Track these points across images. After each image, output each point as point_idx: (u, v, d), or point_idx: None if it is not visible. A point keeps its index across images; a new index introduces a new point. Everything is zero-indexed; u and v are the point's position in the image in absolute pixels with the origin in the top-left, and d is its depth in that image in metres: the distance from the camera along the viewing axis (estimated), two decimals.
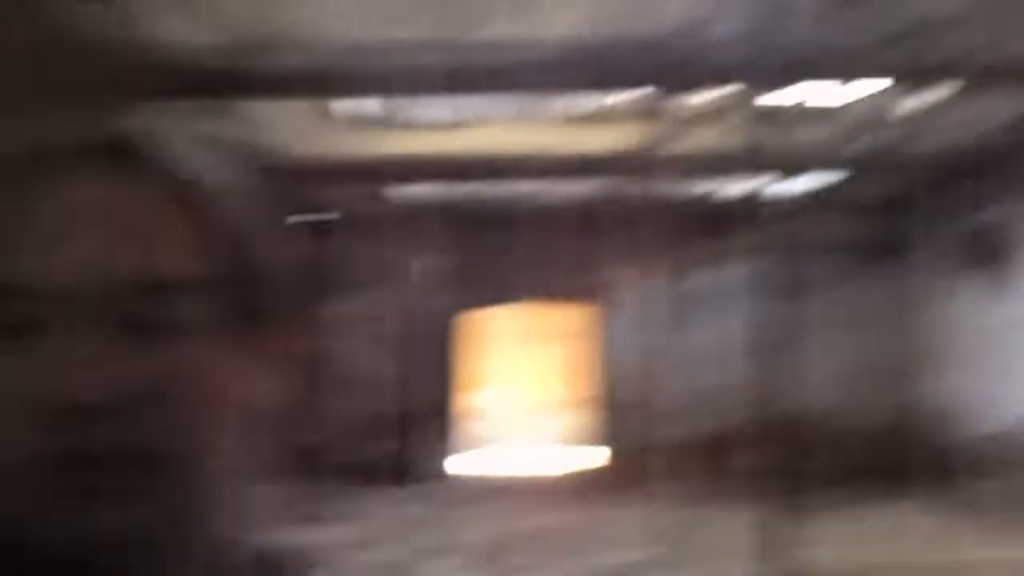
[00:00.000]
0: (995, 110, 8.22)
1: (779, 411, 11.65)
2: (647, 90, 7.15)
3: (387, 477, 11.08)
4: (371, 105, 8.27)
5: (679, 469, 6.81)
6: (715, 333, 12.06)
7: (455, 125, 8.45)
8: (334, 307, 12.40)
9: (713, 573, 5.75)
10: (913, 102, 8.23)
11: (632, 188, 9.65)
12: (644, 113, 7.88)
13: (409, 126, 8.45)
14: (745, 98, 7.94)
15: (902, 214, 11.97)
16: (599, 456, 11.92)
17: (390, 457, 11.83)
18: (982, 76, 7.21)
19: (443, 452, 11.96)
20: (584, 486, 10.82)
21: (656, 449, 9.42)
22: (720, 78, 7.03)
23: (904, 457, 11.46)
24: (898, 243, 12.07)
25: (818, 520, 7.21)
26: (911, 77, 7.65)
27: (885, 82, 7.91)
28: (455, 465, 12.00)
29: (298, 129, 8.57)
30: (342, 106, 8.03)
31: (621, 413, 10.18)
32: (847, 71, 7.21)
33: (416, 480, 11.25)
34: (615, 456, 11.00)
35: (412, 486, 10.75)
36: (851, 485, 10.16)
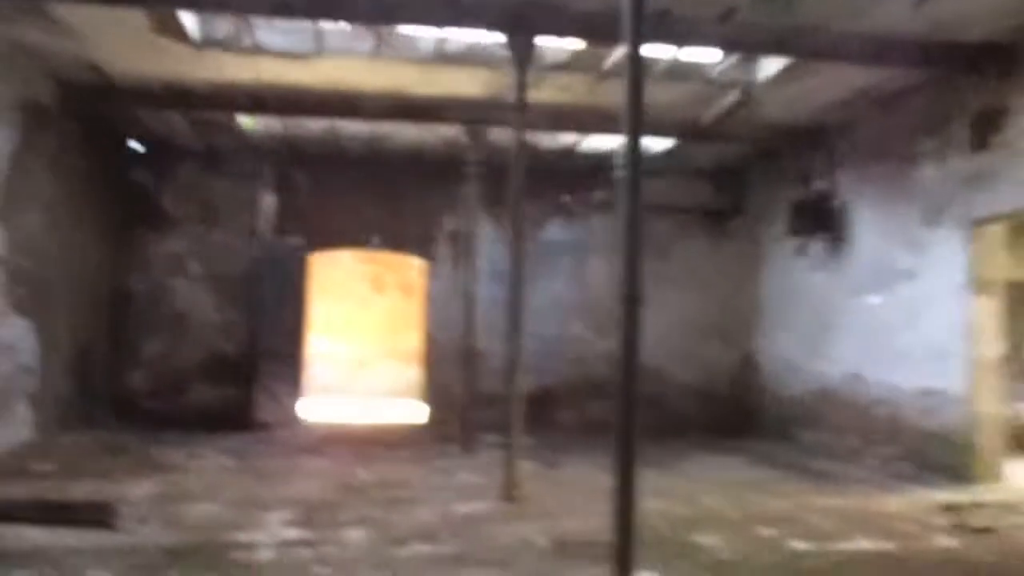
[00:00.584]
0: (834, 83, 8.62)
1: (616, 366, 12.09)
2: (507, 34, 6.96)
3: (220, 424, 10.61)
4: (219, 26, 7.65)
5: (515, 421, 6.78)
6: (556, 286, 12.27)
7: (307, 55, 7.97)
8: (169, 243, 11.64)
9: (554, 526, 5.78)
10: (760, 71, 8.51)
11: (484, 136, 9.49)
12: (503, 60, 7.71)
13: (258, 52, 7.88)
14: (605, 52, 7.96)
15: (743, 179, 12.52)
16: (432, 408, 11.89)
17: (223, 403, 11.32)
18: (824, 50, 7.49)
19: (280, 399, 11.53)
20: (416, 438, 10.74)
21: (491, 401, 9.45)
22: (583, 29, 6.95)
23: (736, 412, 12.13)
24: (739, 207, 12.63)
25: (653, 473, 7.45)
26: (756, 48, 7.88)
27: (733, 51, 8.13)
28: (290, 414, 11.61)
29: (133, 47, 7.82)
30: (187, 25, 7.36)
31: (457, 364, 10.16)
32: (700, 37, 7.30)
33: (250, 428, 10.82)
34: (448, 408, 10.99)
35: (245, 434, 10.32)
36: (685, 438, 10.64)
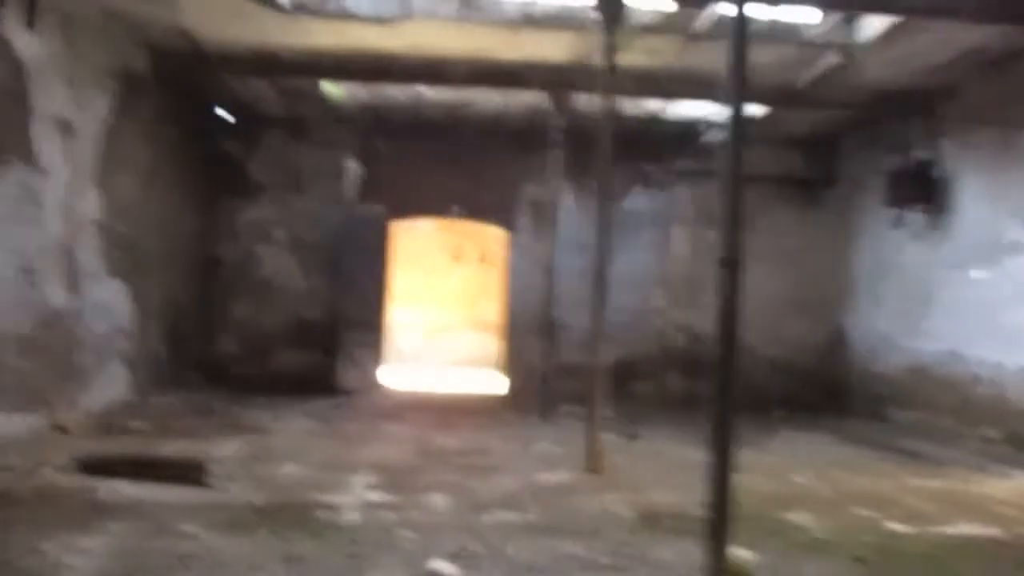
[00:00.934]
0: (941, 44, 8.12)
1: (701, 338, 11.88)
2: None
3: (303, 388, 10.80)
4: None
5: (596, 392, 6.65)
6: (637, 257, 12.01)
7: (393, 20, 7.90)
8: (256, 210, 11.84)
9: (639, 498, 5.66)
10: (861, 32, 8.08)
11: (568, 102, 9.30)
12: (589, 22, 7.51)
13: (344, 17, 7.85)
14: (696, 13, 7.67)
15: (836, 147, 12.00)
16: (511, 378, 11.84)
17: (306, 368, 11.51)
18: (934, 5, 7.06)
19: (361, 366, 11.67)
20: (494, 407, 10.72)
21: (569, 373, 9.33)
22: None
23: (824, 388, 11.74)
24: (830, 176, 12.13)
25: (738, 448, 7.22)
26: (859, 5, 7.49)
27: (833, 9, 7.74)
28: (370, 380, 11.75)
29: (223, 13, 7.88)
30: None
31: (536, 335, 10.06)
32: None
33: (332, 393, 10.98)
34: (526, 378, 10.92)
35: (327, 399, 10.48)
36: (769, 415, 10.35)
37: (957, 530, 5.25)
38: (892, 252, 10.55)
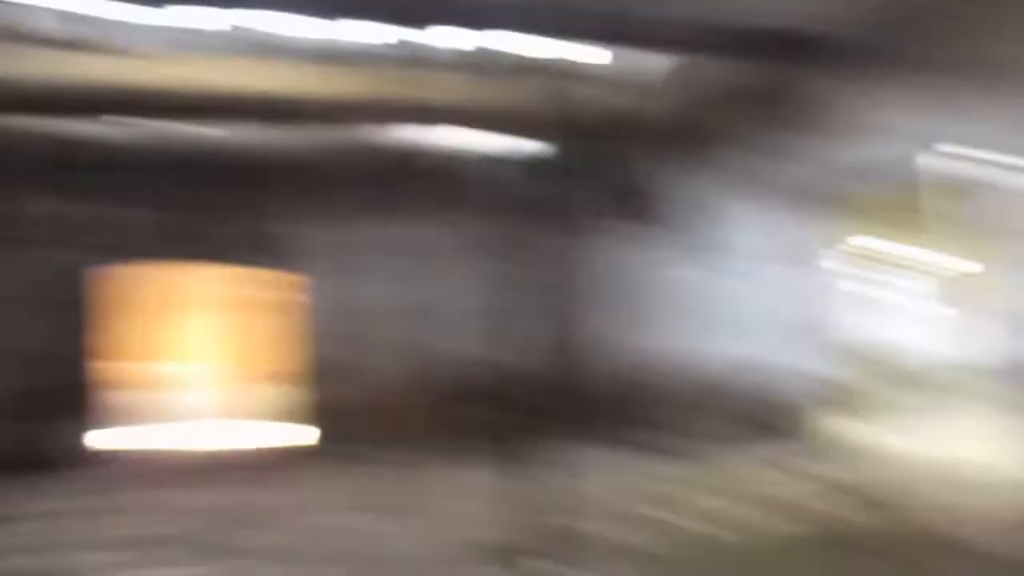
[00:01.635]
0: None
1: (455, 367, 11.90)
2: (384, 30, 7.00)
3: (22, 465, 9.34)
4: (57, 22, 7.00)
5: (388, 433, 6.67)
6: (407, 293, 11.92)
7: (158, 55, 7.49)
8: None
9: (447, 537, 5.66)
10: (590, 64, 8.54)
11: (343, 138, 9.36)
12: (371, 58, 7.70)
13: (102, 51, 7.31)
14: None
15: (565, 175, 12.75)
16: (305, 429, 11.32)
17: (22, 441, 9.96)
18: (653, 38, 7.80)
19: (90, 431, 10.47)
20: (289, 461, 10.20)
21: (366, 414, 9.21)
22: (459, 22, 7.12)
23: (574, 403, 12.30)
24: (562, 203, 12.93)
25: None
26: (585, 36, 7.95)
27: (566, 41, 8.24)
28: (116, 443, 10.63)
29: None
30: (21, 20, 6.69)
31: (330, 380, 9.74)
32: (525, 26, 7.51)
33: (62, 466, 9.60)
34: (324, 426, 10.49)
35: (57, 473, 9.17)
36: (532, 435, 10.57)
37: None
38: (620, 268, 11.56)
